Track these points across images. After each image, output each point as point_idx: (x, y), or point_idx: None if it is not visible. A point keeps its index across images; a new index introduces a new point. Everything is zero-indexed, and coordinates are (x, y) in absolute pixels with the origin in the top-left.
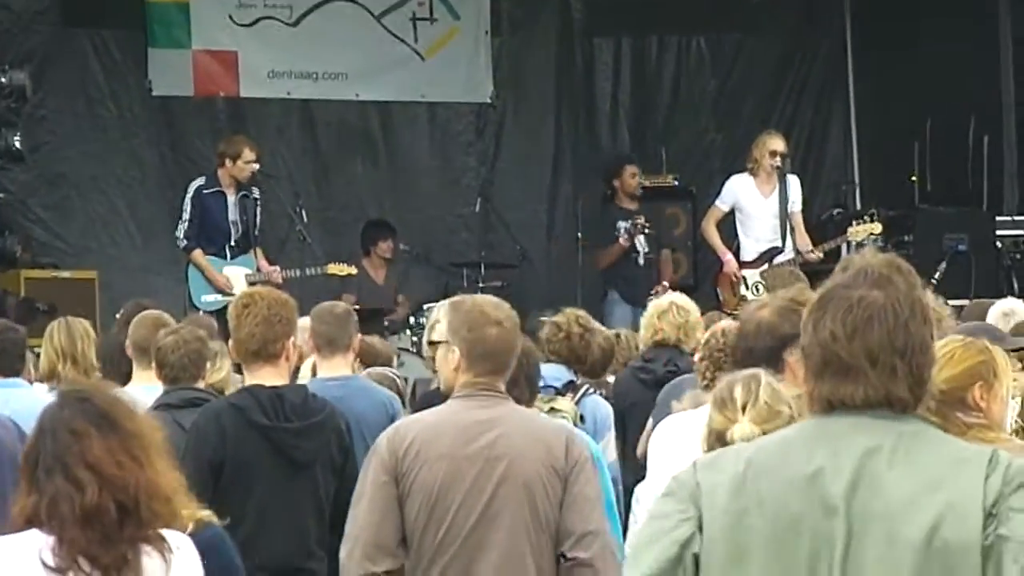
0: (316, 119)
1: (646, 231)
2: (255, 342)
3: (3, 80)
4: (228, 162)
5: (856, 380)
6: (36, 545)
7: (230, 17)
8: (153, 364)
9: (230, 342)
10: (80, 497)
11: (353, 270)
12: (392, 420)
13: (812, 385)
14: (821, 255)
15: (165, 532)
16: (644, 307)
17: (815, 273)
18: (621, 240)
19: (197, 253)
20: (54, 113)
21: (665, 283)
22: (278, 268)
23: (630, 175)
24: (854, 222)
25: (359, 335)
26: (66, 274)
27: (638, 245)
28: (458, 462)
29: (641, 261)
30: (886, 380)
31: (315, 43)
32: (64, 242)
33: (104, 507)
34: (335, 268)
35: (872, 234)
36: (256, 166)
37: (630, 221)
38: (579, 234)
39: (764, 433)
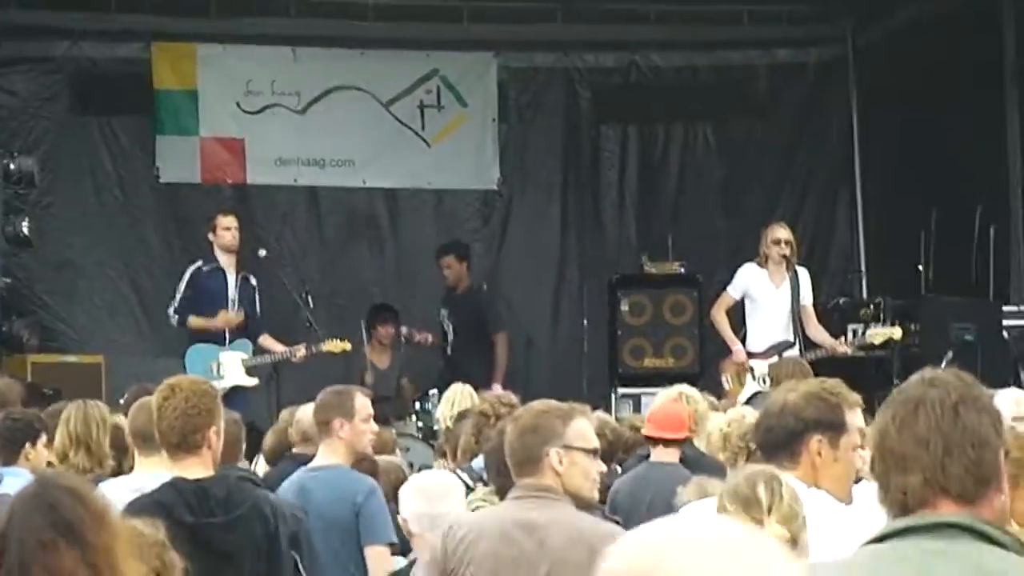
0: (323, 206)
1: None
2: (175, 434)
3: (11, 166)
4: (211, 235)
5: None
6: None
7: (238, 104)
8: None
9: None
10: None
11: (348, 345)
12: (356, 513)
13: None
14: (850, 351)
15: None
16: None
17: (826, 365)
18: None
19: (192, 318)
20: (62, 199)
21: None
22: (302, 346)
23: (440, 265)
24: (873, 323)
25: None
26: (72, 359)
27: (448, 335)
28: (502, 563)
29: (449, 351)
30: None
31: (322, 130)
32: (70, 327)
33: None
34: (330, 345)
35: (892, 339)
36: (234, 230)
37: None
38: (584, 321)
39: (791, 534)
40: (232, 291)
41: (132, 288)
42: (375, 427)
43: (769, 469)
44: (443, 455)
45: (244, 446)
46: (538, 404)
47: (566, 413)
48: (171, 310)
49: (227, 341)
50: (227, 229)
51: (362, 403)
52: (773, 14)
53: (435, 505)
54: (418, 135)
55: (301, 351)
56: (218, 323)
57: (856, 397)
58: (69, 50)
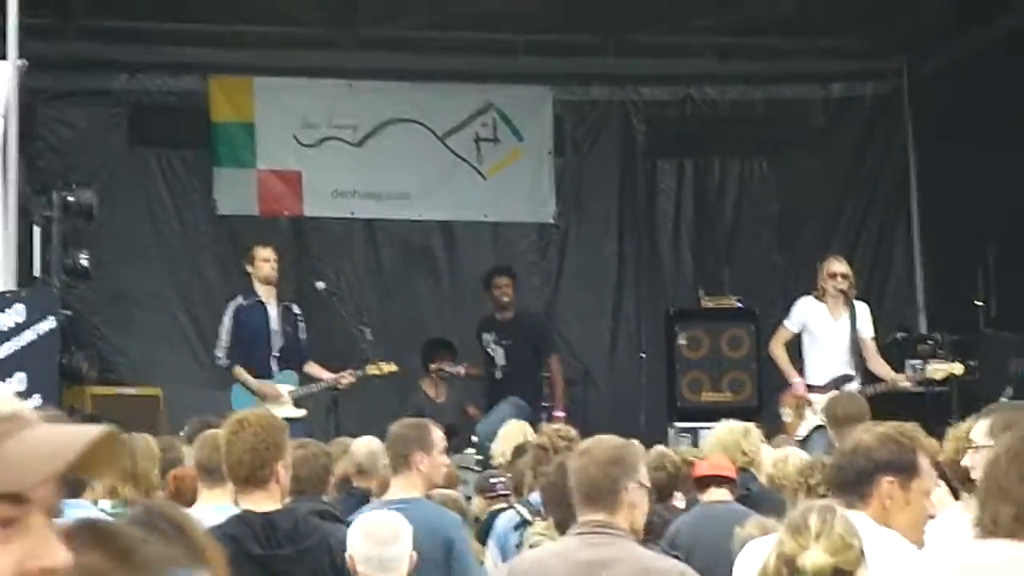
0: (379, 238)
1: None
2: (244, 468)
3: (70, 199)
4: (249, 268)
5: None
6: None
7: (295, 137)
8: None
9: (222, 465)
10: None
11: (394, 367)
12: (449, 549)
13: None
14: (910, 385)
15: None
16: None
17: (883, 399)
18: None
19: (238, 369)
20: (120, 231)
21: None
22: (348, 372)
23: (495, 287)
24: (931, 359)
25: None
26: (131, 391)
27: (496, 359)
28: None
29: (498, 375)
30: None
31: (379, 163)
32: (128, 358)
33: None
34: (375, 368)
35: (953, 374)
36: (273, 261)
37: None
38: (642, 354)
39: (836, 565)
40: (274, 323)
41: (190, 320)
42: (447, 460)
43: (829, 502)
44: (480, 492)
45: (332, 478)
46: (611, 437)
47: (640, 450)
48: (219, 352)
49: (275, 369)
50: (265, 261)
51: (439, 436)
52: (829, 48)
53: (385, 548)
54: (474, 168)
55: (347, 377)
56: (261, 392)
57: (932, 442)
58: (127, 83)
